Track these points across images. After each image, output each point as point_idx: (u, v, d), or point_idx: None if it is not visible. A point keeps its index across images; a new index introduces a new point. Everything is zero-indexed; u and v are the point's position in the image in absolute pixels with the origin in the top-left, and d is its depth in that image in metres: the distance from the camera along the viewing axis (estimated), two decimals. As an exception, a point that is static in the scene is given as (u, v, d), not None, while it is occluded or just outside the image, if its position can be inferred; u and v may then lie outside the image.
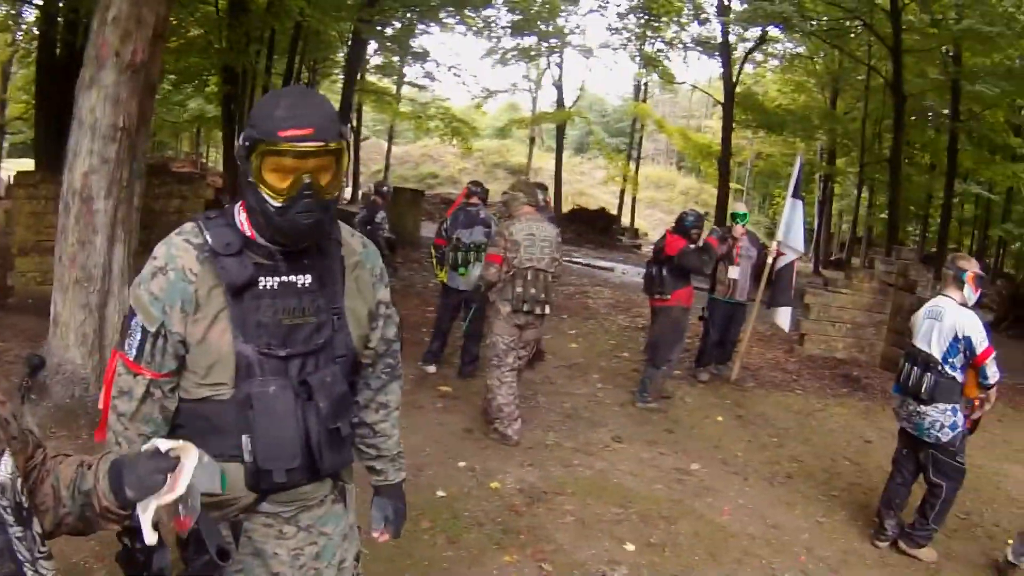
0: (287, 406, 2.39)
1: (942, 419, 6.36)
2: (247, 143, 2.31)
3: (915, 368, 6.47)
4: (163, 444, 1.92)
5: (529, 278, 7.93)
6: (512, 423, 8.14)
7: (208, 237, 2.38)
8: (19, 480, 1.74)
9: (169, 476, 1.86)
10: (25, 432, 2.10)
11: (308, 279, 2.47)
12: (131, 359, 2.41)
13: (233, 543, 2.46)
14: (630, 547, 6.16)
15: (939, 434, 6.38)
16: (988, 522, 7.72)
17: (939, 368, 6.36)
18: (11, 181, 13.71)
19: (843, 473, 8.54)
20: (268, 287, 2.40)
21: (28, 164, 26.40)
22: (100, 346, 7.84)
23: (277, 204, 2.30)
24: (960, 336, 6.36)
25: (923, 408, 6.41)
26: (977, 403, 6.62)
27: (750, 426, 9.68)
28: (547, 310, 8.15)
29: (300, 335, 2.44)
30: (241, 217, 2.45)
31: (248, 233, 2.43)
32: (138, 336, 2.38)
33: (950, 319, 6.41)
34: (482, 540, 5.98)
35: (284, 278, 2.44)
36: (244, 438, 2.39)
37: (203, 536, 2.06)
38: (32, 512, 1.79)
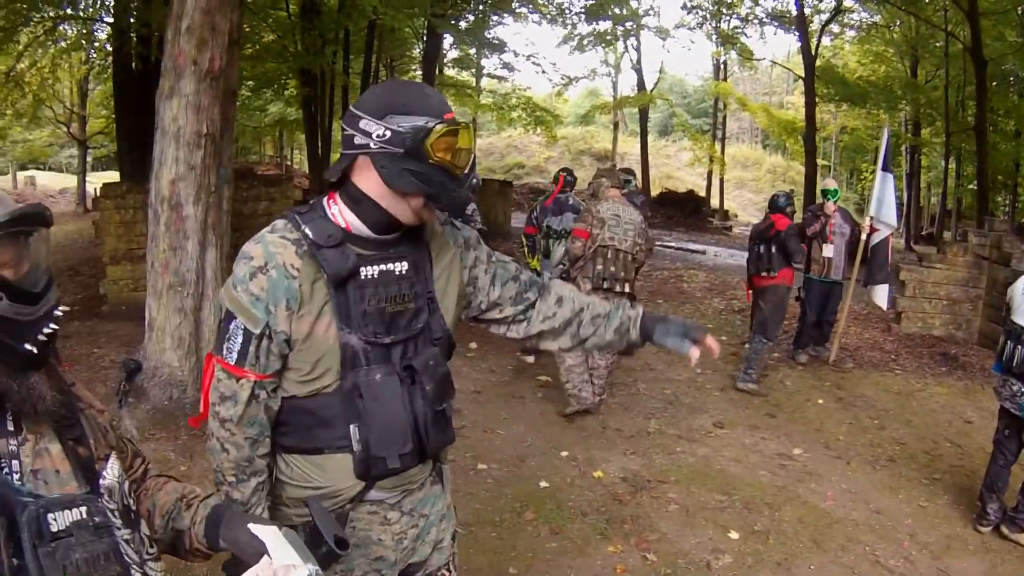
0: (395, 392, 2.42)
1: None
2: (412, 129, 2.31)
3: (1018, 347, 6.18)
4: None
5: (610, 256, 8.10)
6: (584, 385, 8.29)
7: (308, 231, 2.37)
8: (127, 483, 1.77)
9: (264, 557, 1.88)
10: (124, 442, 2.15)
11: (405, 265, 2.48)
12: (232, 363, 2.38)
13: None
14: (734, 535, 6.11)
15: None
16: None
17: None
18: (97, 193, 13.91)
19: (945, 455, 8.34)
20: (370, 276, 2.40)
21: (111, 176, 26.89)
22: (196, 348, 8.06)
23: (458, 178, 2.39)
24: None
25: None
26: None
27: (851, 408, 9.52)
28: (627, 288, 8.22)
29: (402, 321, 2.47)
30: (334, 210, 2.44)
31: (344, 224, 2.42)
32: (239, 339, 2.35)
33: None
34: (586, 530, 5.97)
35: (384, 266, 2.44)
36: (352, 427, 2.41)
37: (319, 527, 2.10)
38: (139, 515, 1.83)
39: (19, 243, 1.70)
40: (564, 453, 7.33)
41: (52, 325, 1.74)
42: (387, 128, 2.30)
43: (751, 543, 6.01)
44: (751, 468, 7.43)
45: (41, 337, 1.72)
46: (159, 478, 2.23)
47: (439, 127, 2.29)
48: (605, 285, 8.02)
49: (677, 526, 6.18)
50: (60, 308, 1.78)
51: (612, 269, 8.06)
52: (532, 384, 9.32)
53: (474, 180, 2.47)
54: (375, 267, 2.42)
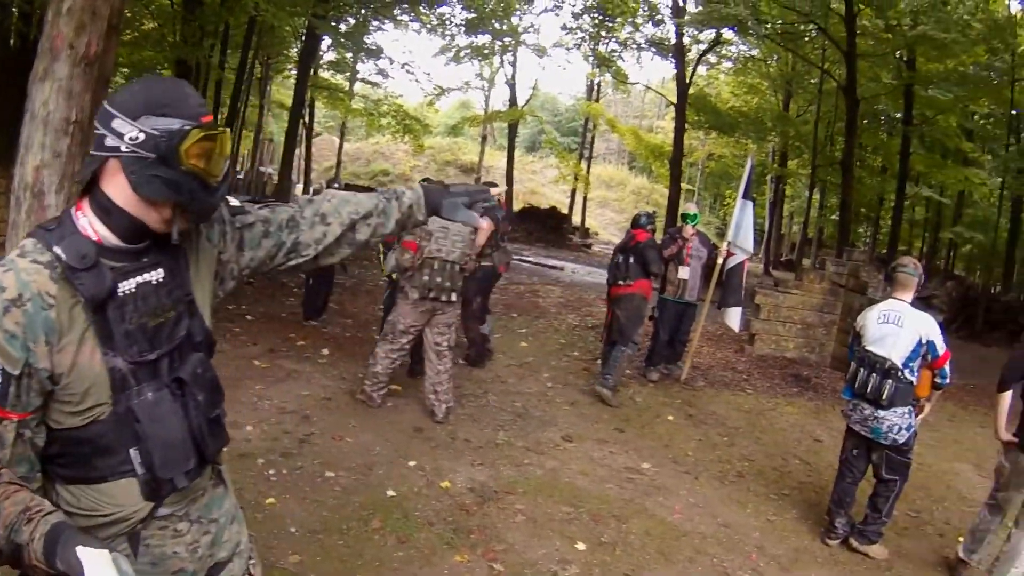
0: (169, 409, 2.31)
1: (900, 422, 6.49)
2: (167, 133, 2.15)
3: (873, 375, 6.53)
4: None
5: (436, 267, 8.26)
6: (380, 390, 8.65)
7: (60, 252, 2.15)
8: None
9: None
10: None
11: (160, 273, 2.33)
12: None
13: (133, 555, 2.37)
14: (581, 546, 6.19)
15: (896, 436, 6.52)
16: (939, 520, 7.90)
17: (900, 374, 6.45)
18: (-38, 176, 13.53)
19: (794, 472, 8.66)
20: (128, 292, 2.24)
21: (-21, 159, 26.03)
22: None
23: (211, 187, 2.27)
24: (924, 341, 6.48)
25: (881, 413, 6.50)
26: (924, 403, 6.78)
27: (701, 425, 9.77)
28: (454, 298, 8.40)
29: (164, 333, 2.33)
30: (83, 222, 2.23)
31: (95, 238, 2.22)
32: None
33: (912, 324, 6.52)
34: (433, 540, 5.97)
35: (140, 278, 2.28)
36: (132, 451, 2.27)
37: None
38: None
39: None
40: (412, 462, 7.32)
41: None
42: (140, 131, 2.15)
43: (598, 554, 6.10)
44: (599, 481, 7.53)
45: None
46: (9, 486, 2.13)
47: (195, 131, 2.17)
48: (432, 295, 8.23)
49: (524, 537, 6.23)
50: None
51: (439, 280, 8.23)
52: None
53: (229, 194, 2.42)
54: (131, 281, 2.26)
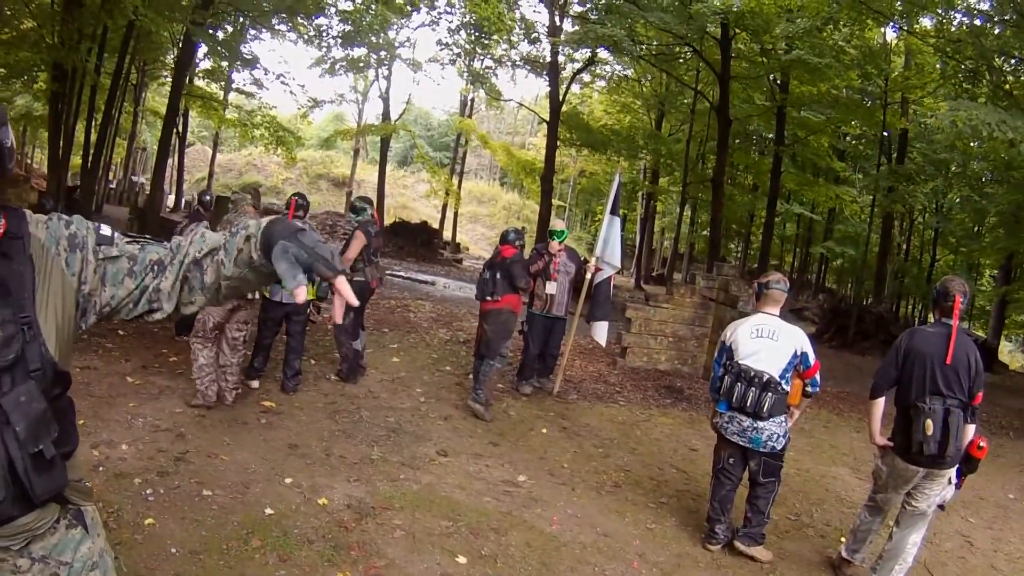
0: None
1: (778, 430, 6.71)
2: None
3: (752, 388, 6.67)
4: None
5: None
6: (212, 384, 8.70)
7: None
8: None
9: None
10: None
11: None
12: None
13: None
14: (462, 560, 6.19)
15: (775, 444, 6.73)
16: (819, 522, 8.13)
17: (778, 387, 6.61)
18: None
19: (670, 481, 8.82)
20: None
21: None
22: None
23: None
24: (799, 352, 6.69)
25: (761, 424, 6.68)
26: (794, 410, 6.98)
27: (575, 437, 9.85)
28: (256, 296, 8.81)
29: None
30: None
31: None
32: None
33: (787, 337, 6.74)
34: (313, 557, 5.91)
35: None
36: None
37: None
38: None
39: None
40: (288, 480, 7.23)
41: None
42: None
43: (479, 567, 6.12)
44: (476, 495, 7.55)
45: None
46: None
47: None
48: None
49: (404, 552, 6.20)
50: None
51: None
52: (256, 409, 9.11)
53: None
54: None
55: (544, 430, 9.94)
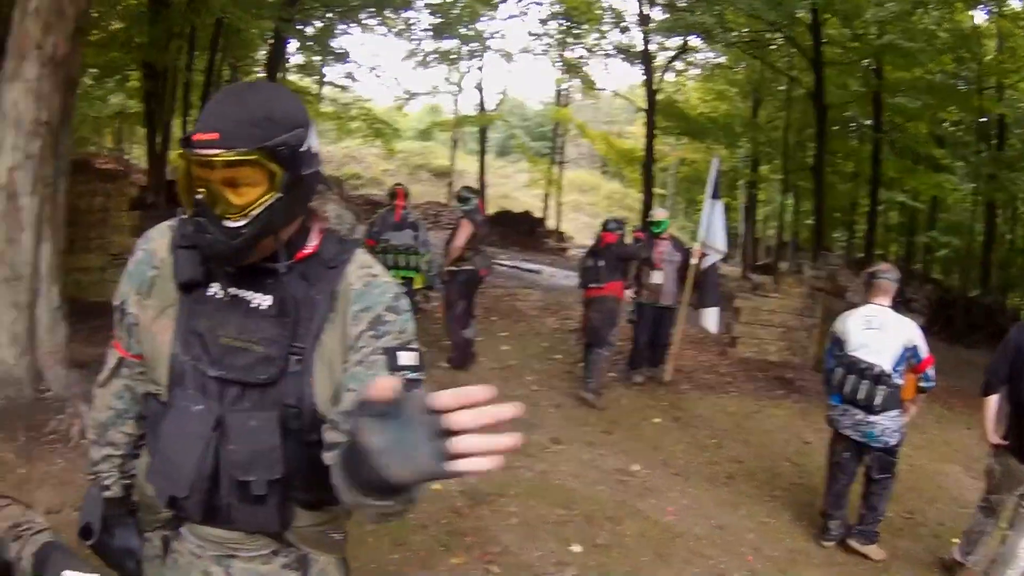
0: (197, 433, 2.04)
1: (892, 425, 6.48)
2: None
3: (864, 381, 6.45)
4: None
5: None
6: None
7: (178, 225, 2.13)
8: None
9: None
10: None
11: (268, 301, 2.08)
12: (115, 333, 2.31)
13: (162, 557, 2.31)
14: (577, 548, 6.12)
15: (889, 439, 6.51)
16: (932, 521, 7.83)
17: (890, 379, 6.38)
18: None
19: (784, 474, 8.62)
20: (215, 295, 2.09)
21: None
22: (31, 346, 7.66)
23: (187, 218, 2.00)
24: (909, 345, 6.44)
25: (873, 417, 6.45)
26: (909, 405, 6.74)
27: (688, 428, 9.70)
28: None
29: (238, 360, 2.05)
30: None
31: None
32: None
33: (896, 330, 6.52)
34: (429, 542, 5.91)
35: (239, 291, 2.09)
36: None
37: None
38: None
39: None
40: (403, 465, 7.20)
41: None
42: None
43: (594, 556, 6.04)
44: (590, 483, 7.47)
45: None
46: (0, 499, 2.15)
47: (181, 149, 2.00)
48: None
49: (519, 539, 6.16)
50: None
51: None
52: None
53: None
54: (230, 289, 2.08)
55: (657, 420, 9.80)
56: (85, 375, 8.11)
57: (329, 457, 1.99)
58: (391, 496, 1.57)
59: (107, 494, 2.37)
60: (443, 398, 1.36)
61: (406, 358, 2.07)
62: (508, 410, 1.36)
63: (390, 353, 2.05)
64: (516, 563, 5.80)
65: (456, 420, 1.35)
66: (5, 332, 7.49)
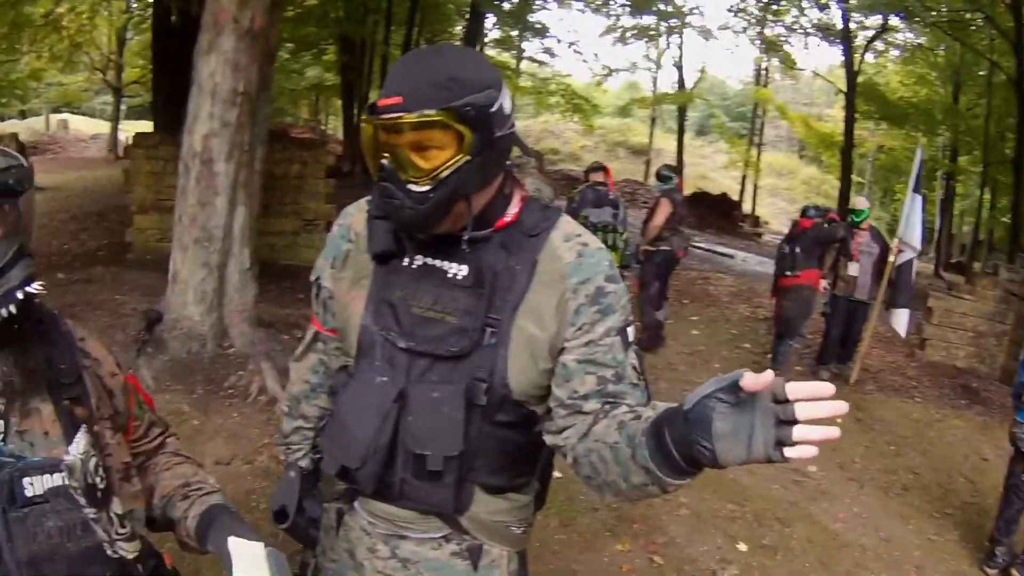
0: (377, 404, 2.02)
1: None
2: None
3: None
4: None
5: None
6: None
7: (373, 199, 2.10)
8: (93, 459, 1.64)
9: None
10: (141, 408, 2.11)
11: (464, 271, 2.00)
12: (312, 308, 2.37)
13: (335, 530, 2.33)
14: (742, 547, 6.07)
15: None
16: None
17: None
18: (129, 142, 13.93)
19: (958, 490, 8.30)
20: (409, 265, 2.05)
21: (145, 126, 26.88)
22: (218, 304, 8.10)
23: (393, 185, 1.91)
24: None
25: None
26: None
27: (869, 431, 9.43)
28: None
29: (430, 332, 2.00)
30: None
31: None
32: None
33: None
34: (595, 526, 5.93)
35: (434, 260, 2.03)
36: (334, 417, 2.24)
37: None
38: (110, 493, 1.70)
39: None
40: (581, 445, 7.22)
41: (11, 308, 1.60)
42: None
43: (758, 557, 5.96)
44: (765, 481, 7.35)
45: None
46: (173, 457, 2.17)
47: (364, 115, 1.99)
48: None
49: (686, 531, 6.13)
50: (34, 285, 1.64)
51: None
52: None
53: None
54: (422, 259, 2.04)
55: (839, 420, 9.47)
56: (270, 334, 8.46)
57: (560, 439, 2.01)
58: (693, 475, 1.64)
59: (299, 465, 2.44)
60: (799, 390, 1.43)
61: (631, 334, 2.04)
62: (843, 406, 1.44)
63: (623, 333, 2.01)
64: (680, 556, 5.75)
65: (804, 410, 1.43)
66: (193, 290, 7.92)
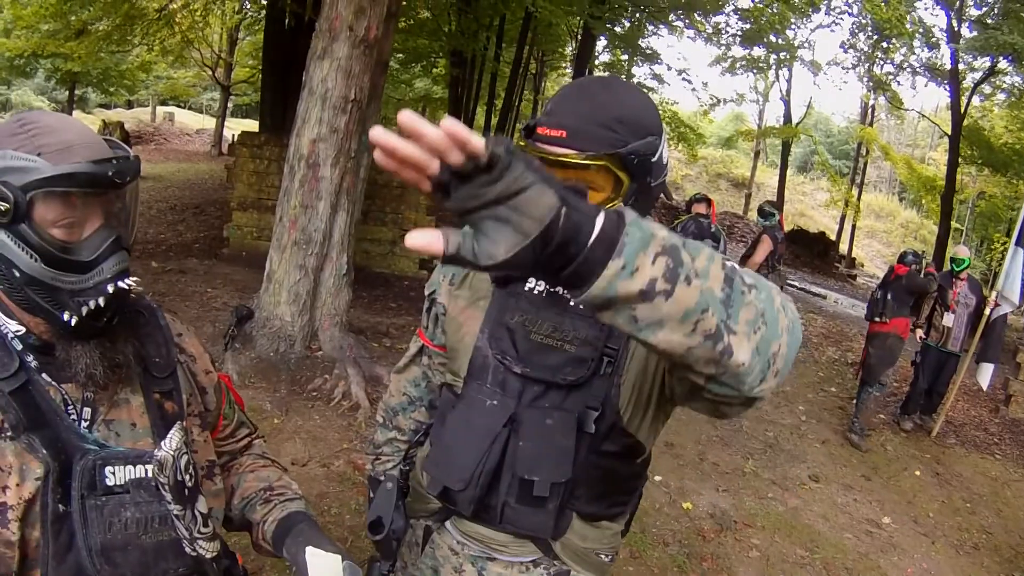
0: (487, 427, 2.03)
1: None
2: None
3: None
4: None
5: None
6: None
7: None
8: (184, 457, 1.65)
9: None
10: (231, 408, 2.14)
11: None
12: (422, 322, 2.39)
13: (420, 546, 2.35)
14: (808, 595, 5.94)
15: None
16: None
17: None
18: (234, 139, 14.16)
19: (1028, 554, 8.14)
20: (532, 290, 2.04)
21: (250, 125, 27.26)
22: (311, 307, 8.21)
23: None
24: None
25: None
26: None
27: (946, 486, 9.22)
28: None
29: (548, 359, 1.99)
30: None
31: None
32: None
33: None
34: (665, 560, 5.89)
35: (554, 288, 2.02)
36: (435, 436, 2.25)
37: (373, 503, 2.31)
38: (196, 491, 1.72)
39: (79, 200, 1.58)
40: (658, 478, 7.23)
41: (100, 300, 1.60)
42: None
43: (823, 605, 5.87)
44: (838, 529, 7.26)
45: (85, 308, 1.60)
46: (259, 459, 2.21)
47: (522, 138, 1.97)
48: None
49: (755, 574, 6.06)
50: (128, 280, 1.64)
51: None
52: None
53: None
54: (544, 284, 2.03)
55: (917, 472, 9.36)
56: (359, 341, 8.55)
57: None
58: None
59: (387, 475, 2.45)
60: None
61: None
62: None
63: None
64: (747, 598, 5.68)
65: None
66: (287, 291, 8.05)
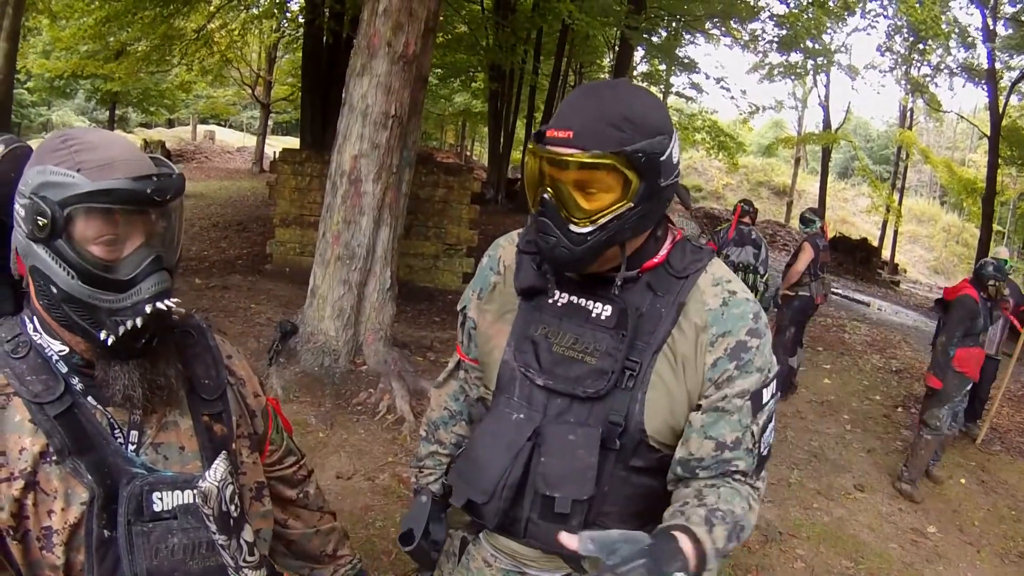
0: (511, 440, 2.03)
1: None
2: None
3: None
4: None
5: None
6: None
7: (523, 233, 2.17)
8: (230, 488, 1.68)
9: None
10: (280, 434, 2.16)
11: (607, 311, 2.00)
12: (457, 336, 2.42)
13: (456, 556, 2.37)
14: (854, 607, 5.92)
15: None
16: None
17: None
18: (275, 157, 14.28)
19: (1075, 563, 8.03)
20: (554, 303, 2.05)
21: (290, 142, 27.42)
22: (355, 322, 8.28)
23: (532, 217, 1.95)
24: None
25: None
26: None
27: (991, 494, 9.11)
28: None
29: (569, 371, 1.99)
30: None
31: None
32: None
33: None
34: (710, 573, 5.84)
35: (575, 299, 2.04)
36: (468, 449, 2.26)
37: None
38: (242, 520, 1.74)
39: (121, 218, 1.58)
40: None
41: (137, 321, 1.59)
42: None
43: (868, 616, 5.85)
44: (883, 539, 7.22)
45: (122, 328, 1.59)
46: (325, 515, 2.33)
47: (530, 142, 1.95)
48: None
49: None
50: (169, 301, 1.63)
51: None
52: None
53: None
54: (566, 297, 2.05)
55: (962, 480, 9.25)
56: (403, 355, 8.59)
57: (669, 486, 2.05)
58: None
59: (430, 490, 2.48)
60: None
61: (768, 394, 2.00)
62: None
63: (757, 397, 1.96)
64: (792, 609, 5.66)
65: None
66: (332, 306, 8.13)
